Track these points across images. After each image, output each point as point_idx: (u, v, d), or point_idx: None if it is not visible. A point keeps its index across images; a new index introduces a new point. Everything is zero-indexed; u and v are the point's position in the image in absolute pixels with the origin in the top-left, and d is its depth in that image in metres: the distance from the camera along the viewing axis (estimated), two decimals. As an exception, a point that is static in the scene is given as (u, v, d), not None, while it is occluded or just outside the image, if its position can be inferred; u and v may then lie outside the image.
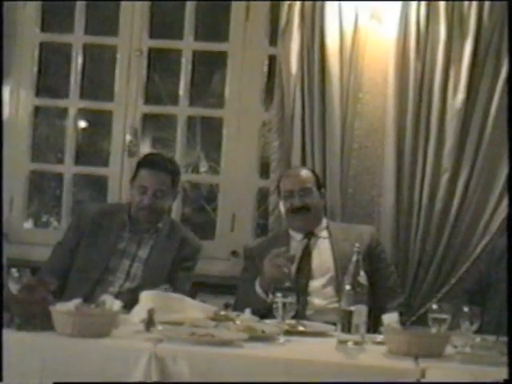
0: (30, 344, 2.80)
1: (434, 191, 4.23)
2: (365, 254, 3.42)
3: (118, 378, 2.71)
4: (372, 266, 3.64)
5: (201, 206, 5.50)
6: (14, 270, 3.04)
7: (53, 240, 4.11)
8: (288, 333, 3.05)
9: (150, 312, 2.99)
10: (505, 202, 4.15)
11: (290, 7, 4.30)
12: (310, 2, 4.28)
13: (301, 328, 3.23)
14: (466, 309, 2.90)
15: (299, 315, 3.38)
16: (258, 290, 3.62)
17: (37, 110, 4.83)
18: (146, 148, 5.03)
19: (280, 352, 2.84)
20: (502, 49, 4.17)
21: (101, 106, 4.83)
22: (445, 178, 4.21)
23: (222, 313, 3.29)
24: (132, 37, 4.68)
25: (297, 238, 3.90)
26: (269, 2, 4.55)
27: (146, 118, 4.75)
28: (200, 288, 3.85)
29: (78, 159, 4.82)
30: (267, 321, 3.22)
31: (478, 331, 2.92)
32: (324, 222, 3.95)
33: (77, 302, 2.93)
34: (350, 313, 2.90)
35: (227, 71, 4.66)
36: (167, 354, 2.72)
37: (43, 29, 4.79)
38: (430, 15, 4.21)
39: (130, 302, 3.22)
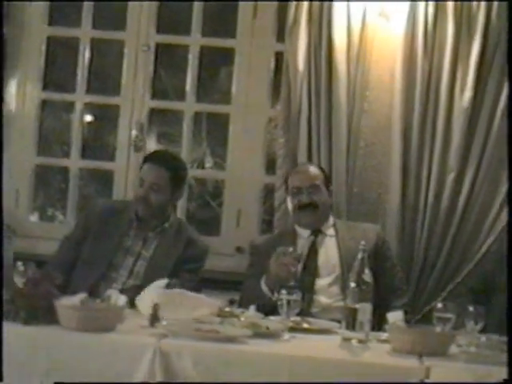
0: (35, 338, 2.80)
1: (440, 190, 4.22)
2: (370, 252, 3.40)
3: (123, 372, 2.71)
4: (377, 265, 3.62)
5: (206, 201, 5.50)
6: (19, 264, 3.06)
7: (58, 234, 4.11)
8: (292, 330, 3.06)
9: (155, 307, 2.99)
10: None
11: (298, 7, 4.30)
12: (318, 2, 4.27)
13: (305, 325, 3.23)
14: (470, 308, 2.90)
15: (305, 313, 3.38)
16: (264, 288, 3.61)
17: (43, 103, 4.84)
18: (151, 143, 5.04)
19: (284, 349, 2.84)
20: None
21: (107, 100, 4.83)
22: (451, 176, 4.21)
23: (227, 309, 3.29)
24: (139, 32, 4.68)
25: (304, 235, 3.89)
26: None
27: (152, 113, 4.75)
28: (205, 284, 3.83)
29: (84, 153, 4.83)
30: (272, 317, 3.22)
31: (483, 330, 2.92)
32: (331, 219, 3.94)
33: (82, 296, 2.93)
34: (355, 310, 2.91)
35: (234, 67, 4.67)
36: (172, 350, 2.72)
37: (51, 23, 4.79)
38: (438, 14, 4.21)
39: (132, 299, 3.21)
